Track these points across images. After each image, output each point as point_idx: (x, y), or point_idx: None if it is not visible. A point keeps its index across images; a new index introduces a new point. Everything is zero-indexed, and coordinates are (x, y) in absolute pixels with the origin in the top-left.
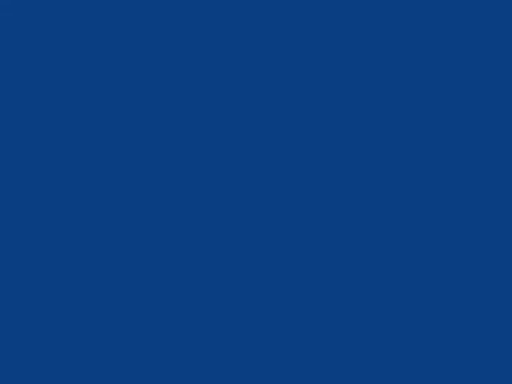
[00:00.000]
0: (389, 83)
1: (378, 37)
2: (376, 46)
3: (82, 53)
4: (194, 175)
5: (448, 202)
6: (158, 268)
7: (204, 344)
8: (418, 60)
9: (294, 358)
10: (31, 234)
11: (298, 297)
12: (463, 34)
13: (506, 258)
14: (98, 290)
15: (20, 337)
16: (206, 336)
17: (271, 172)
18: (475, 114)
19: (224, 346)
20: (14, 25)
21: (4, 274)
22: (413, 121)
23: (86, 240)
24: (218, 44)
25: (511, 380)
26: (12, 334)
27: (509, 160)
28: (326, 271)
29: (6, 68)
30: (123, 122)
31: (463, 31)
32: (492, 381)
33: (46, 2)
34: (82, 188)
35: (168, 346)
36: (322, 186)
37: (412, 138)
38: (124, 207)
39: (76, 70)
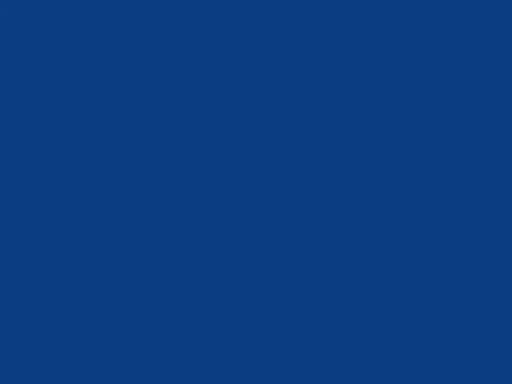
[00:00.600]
0: (389, 83)
1: (378, 37)
2: (376, 46)
3: (82, 53)
4: (194, 175)
5: (448, 202)
6: (158, 268)
7: (204, 344)
8: (418, 60)
9: (294, 358)
10: (31, 234)
11: (298, 297)
12: (463, 34)
13: (506, 258)
14: (98, 289)
15: (20, 337)
16: (206, 336)
17: (271, 172)
18: (475, 114)
19: (224, 346)
20: (14, 25)
21: (4, 274)
22: (413, 121)
23: (86, 240)
24: (218, 44)
25: (511, 380)
26: (12, 334)
27: (509, 160)
28: (326, 271)
29: (6, 68)
30: (123, 122)
31: (463, 31)
32: (492, 381)
33: (46, 2)
34: (82, 188)
35: (168, 346)
36: (322, 186)
37: (412, 138)
38: (124, 207)
39: (76, 70)
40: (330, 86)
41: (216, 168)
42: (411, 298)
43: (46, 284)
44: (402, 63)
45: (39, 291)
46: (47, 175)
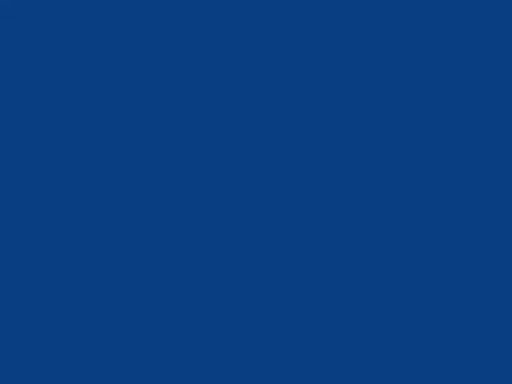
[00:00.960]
0: (389, 83)
1: (378, 37)
2: (376, 46)
3: (82, 53)
4: (194, 175)
5: (448, 202)
6: (158, 268)
7: (204, 344)
8: (418, 60)
9: (294, 358)
10: (31, 234)
11: (298, 297)
12: (463, 34)
13: (506, 258)
14: (98, 290)
15: (20, 337)
16: (206, 336)
17: (271, 172)
18: (475, 114)
19: (224, 346)
20: (14, 25)
21: (4, 274)
22: (413, 121)
23: (86, 240)
24: (218, 44)
25: (511, 380)
26: (12, 334)
27: (509, 160)
28: (326, 271)
29: (6, 68)
30: (123, 122)
31: (463, 31)
32: (492, 381)
33: (46, 2)
34: (82, 188)
35: (168, 346)
36: (321, 186)
37: (412, 138)
38: (124, 207)
39: (76, 70)
40: (330, 86)
41: (216, 168)
42: (411, 298)
43: (46, 284)
44: (402, 63)
45: (39, 291)
46: (47, 175)
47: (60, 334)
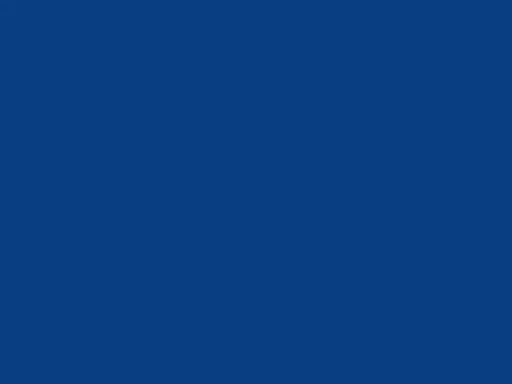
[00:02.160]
0: (389, 83)
1: (378, 37)
2: (376, 46)
3: (82, 53)
4: (194, 175)
5: (448, 202)
6: (158, 268)
7: (204, 344)
8: (418, 60)
9: (294, 358)
10: (31, 234)
11: (298, 297)
12: (463, 34)
13: (506, 258)
14: (98, 290)
15: (20, 337)
16: (206, 336)
17: (271, 172)
18: (475, 114)
19: (224, 346)
20: (14, 25)
21: (4, 274)
22: (413, 121)
23: (86, 240)
24: (218, 44)
25: (511, 380)
26: (12, 334)
27: (509, 160)
28: (326, 271)
29: (6, 68)
30: (123, 122)
31: (463, 31)
32: (492, 381)
33: (46, 2)
34: (82, 188)
35: (168, 346)
36: (321, 186)
37: (412, 138)
38: (124, 207)
39: (76, 70)
40: (330, 86)
41: (216, 168)
42: (411, 298)
43: (46, 284)
44: (402, 63)
45: (39, 291)
46: (47, 175)
47: (60, 333)
